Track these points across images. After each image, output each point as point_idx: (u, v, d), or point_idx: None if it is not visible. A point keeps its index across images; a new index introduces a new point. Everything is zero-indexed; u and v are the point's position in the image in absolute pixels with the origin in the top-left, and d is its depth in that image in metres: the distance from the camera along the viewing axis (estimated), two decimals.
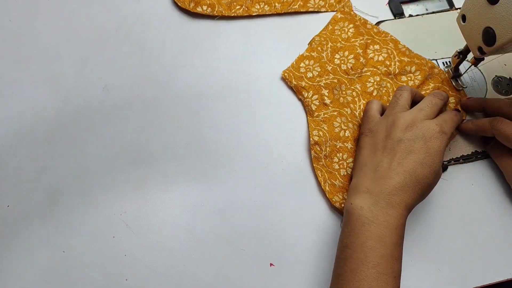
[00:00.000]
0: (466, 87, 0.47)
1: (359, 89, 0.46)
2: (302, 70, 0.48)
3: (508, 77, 0.48)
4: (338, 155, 0.43)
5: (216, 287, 0.40)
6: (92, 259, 0.41)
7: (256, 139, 0.46)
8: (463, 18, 0.40)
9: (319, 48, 0.48)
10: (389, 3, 0.52)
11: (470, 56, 0.43)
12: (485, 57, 0.41)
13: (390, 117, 0.40)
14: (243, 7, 0.51)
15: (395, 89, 0.46)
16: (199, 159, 0.45)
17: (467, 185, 0.44)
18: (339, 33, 0.49)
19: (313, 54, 0.48)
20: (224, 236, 0.42)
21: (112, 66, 0.49)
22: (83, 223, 0.42)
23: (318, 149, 0.44)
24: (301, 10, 0.51)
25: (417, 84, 0.46)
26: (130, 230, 0.42)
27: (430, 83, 0.46)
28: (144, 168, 0.44)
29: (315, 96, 0.46)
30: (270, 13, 0.51)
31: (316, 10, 0.51)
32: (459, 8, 0.49)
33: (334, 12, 0.51)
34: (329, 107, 0.46)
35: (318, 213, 0.43)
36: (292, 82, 0.47)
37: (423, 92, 0.46)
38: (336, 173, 0.43)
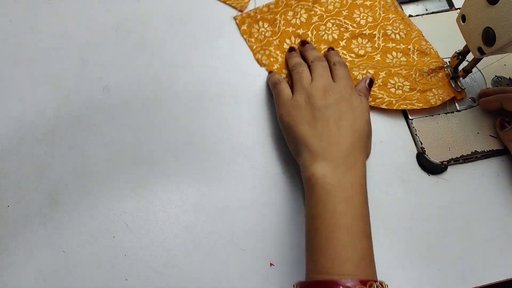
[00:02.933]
0: (465, 88, 0.47)
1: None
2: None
3: (508, 77, 0.48)
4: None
5: (216, 287, 0.40)
6: (92, 259, 0.41)
7: (256, 139, 0.46)
8: (463, 18, 0.40)
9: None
10: None
11: (469, 56, 0.43)
12: (484, 57, 0.41)
13: (304, 91, 0.42)
14: None
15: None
16: (199, 159, 0.45)
17: (467, 185, 0.44)
18: (262, 37, 0.50)
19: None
20: (224, 236, 0.42)
21: (112, 66, 0.49)
22: (83, 223, 0.42)
23: None
24: None
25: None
26: (130, 230, 0.42)
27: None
28: (144, 168, 0.44)
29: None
30: None
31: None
32: (459, 8, 0.49)
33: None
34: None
35: None
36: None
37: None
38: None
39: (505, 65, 0.48)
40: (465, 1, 0.40)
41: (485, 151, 0.45)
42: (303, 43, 0.48)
